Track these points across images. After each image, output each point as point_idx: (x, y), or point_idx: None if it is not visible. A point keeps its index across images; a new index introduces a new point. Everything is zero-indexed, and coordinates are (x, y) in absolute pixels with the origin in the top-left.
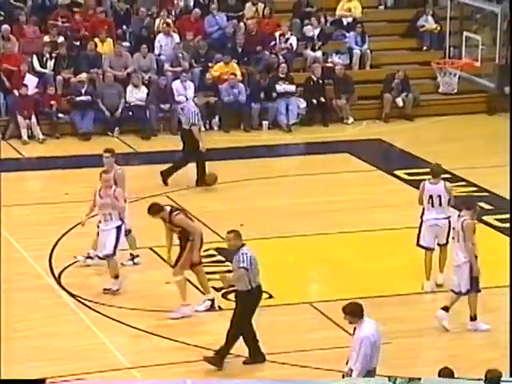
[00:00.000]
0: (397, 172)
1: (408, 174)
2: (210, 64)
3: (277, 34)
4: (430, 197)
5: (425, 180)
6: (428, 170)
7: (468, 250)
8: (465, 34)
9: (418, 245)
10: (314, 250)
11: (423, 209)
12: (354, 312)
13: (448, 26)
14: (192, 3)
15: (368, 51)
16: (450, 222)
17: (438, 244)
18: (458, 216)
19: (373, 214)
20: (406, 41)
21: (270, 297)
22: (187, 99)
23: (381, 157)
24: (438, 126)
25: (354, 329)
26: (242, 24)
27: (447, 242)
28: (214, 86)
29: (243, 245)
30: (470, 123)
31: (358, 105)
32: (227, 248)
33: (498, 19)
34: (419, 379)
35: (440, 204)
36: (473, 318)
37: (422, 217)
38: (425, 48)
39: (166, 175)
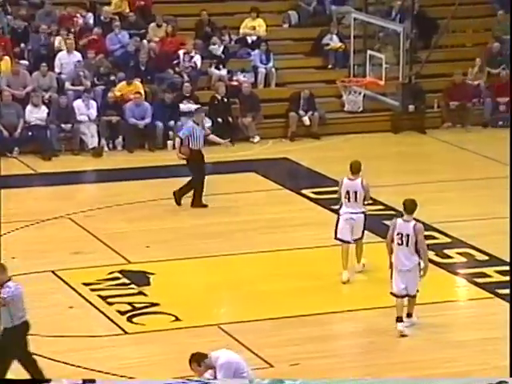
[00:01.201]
0: (304, 191)
1: (315, 192)
2: (112, 82)
3: (181, 53)
4: (347, 192)
5: (343, 178)
6: (333, 189)
7: (424, 251)
8: (368, 52)
9: (336, 238)
10: (223, 270)
11: (341, 204)
12: (197, 361)
13: (352, 44)
14: (92, 21)
15: (273, 69)
16: (365, 216)
17: (354, 239)
18: (404, 221)
19: (281, 234)
20: (311, 59)
21: (177, 319)
22: (90, 119)
23: (287, 176)
24: (345, 144)
25: (214, 369)
26: (145, 42)
27: (362, 236)
28: (118, 106)
29: (9, 279)
30: (375, 141)
31: (263, 123)
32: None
33: (401, 38)
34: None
35: (356, 199)
36: (410, 315)
37: (338, 211)
38: (330, 66)
39: (197, 202)
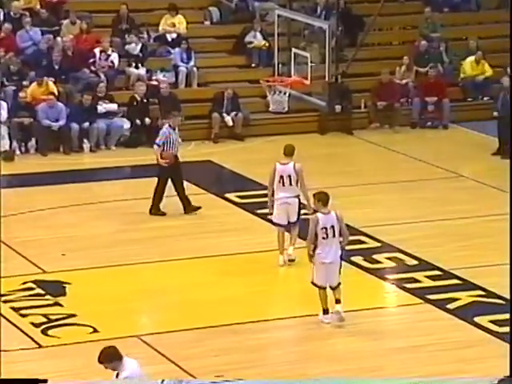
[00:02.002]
0: (228, 195)
1: (240, 196)
2: (24, 82)
3: (97, 51)
4: (281, 177)
5: (276, 163)
6: (258, 192)
7: (347, 236)
8: (293, 50)
9: (272, 222)
10: (144, 278)
11: (273, 189)
12: (110, 357)
13: (276, 42)
14: (2, 17)
15: (194, 68)
16: (299, 200)
17: (289, 222)
18: (324, 214)
19: (206, 240)
20: (234, 58)
21: (95, 331)
22: (0, 121)
23: (211, 179)
24: (270, 146)
25: (117, 374)
26: (58, 40)
27: (297, 219)
28: (30, 107)
29: None
30: (302, 143)
31: (185, 125)
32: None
33: (327, 36)
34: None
35: (290, 183)
36: (339, 301)
37: (272, 196)
38: (253, 65)
39: (187, 207)
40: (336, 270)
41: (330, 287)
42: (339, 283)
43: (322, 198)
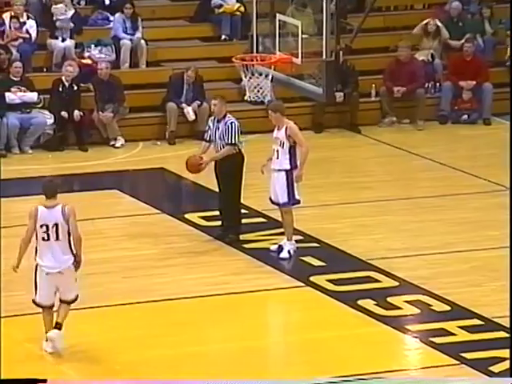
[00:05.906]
0: (188, 216)
1: (204, 217)
2: None
3: (6, 17)
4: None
5: None
6: None
7: (78, 240)
8: (278, 17)
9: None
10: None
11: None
12: None
13: (254, 6)
14: None
15: (142, 41)
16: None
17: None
18: (47, 208)
19: (150, 279)
20: (197, 27)
21: None
22: None
23: (165, 194)
24: (246, 148)
25: None
26: None
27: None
28: None
29: None
30: None
31: (130, 119)
32: None
33: None
34: None
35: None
36: (59, 327)
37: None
38: (223, 37)
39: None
40: (67, 282)
41: (63, 301)
42: (73, 300)
43: (45, 187)
